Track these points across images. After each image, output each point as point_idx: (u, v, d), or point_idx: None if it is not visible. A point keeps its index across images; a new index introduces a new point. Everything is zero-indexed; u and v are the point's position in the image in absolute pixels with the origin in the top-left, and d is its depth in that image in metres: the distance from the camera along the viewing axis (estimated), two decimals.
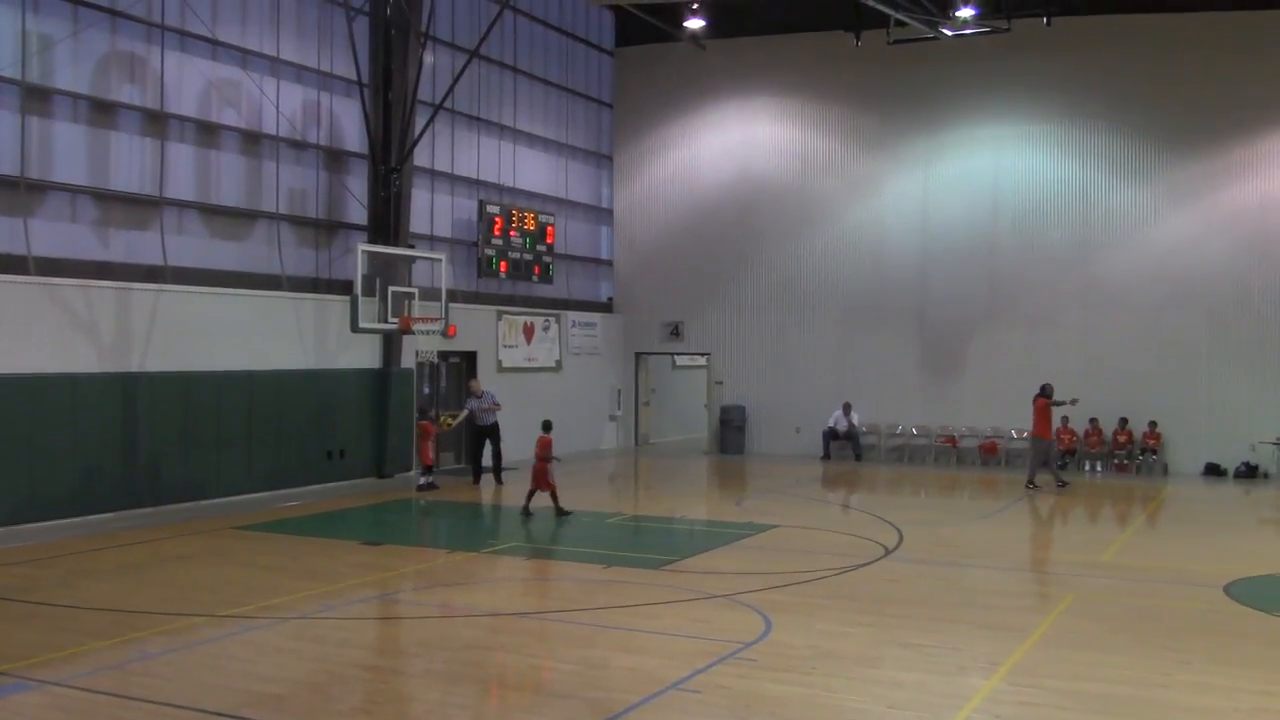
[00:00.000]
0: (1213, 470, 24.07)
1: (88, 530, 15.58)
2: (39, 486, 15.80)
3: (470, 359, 24.45)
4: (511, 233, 25.36)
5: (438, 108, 22.28)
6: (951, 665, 9.41)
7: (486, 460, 21.59)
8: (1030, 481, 21.56)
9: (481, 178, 25.36)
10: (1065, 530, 18.36)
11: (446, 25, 23.88)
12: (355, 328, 19.05)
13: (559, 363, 27.12)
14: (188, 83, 18.75)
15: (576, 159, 28.70)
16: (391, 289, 19.95)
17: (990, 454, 25.81)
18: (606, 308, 29.65)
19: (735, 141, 28.55)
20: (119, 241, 17.72)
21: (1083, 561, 14.35)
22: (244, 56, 19.69)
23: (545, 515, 17.18)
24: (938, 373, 26.60)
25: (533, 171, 27.07)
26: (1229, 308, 24.11)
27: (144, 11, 17.80)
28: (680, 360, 31.11)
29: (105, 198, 17.48)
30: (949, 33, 23.59)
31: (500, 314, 25.27)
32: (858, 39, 25.74)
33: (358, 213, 21.82)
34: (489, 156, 25.65)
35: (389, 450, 21.73)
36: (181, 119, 18.65)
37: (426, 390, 23.55)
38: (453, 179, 24.60)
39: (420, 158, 22.90)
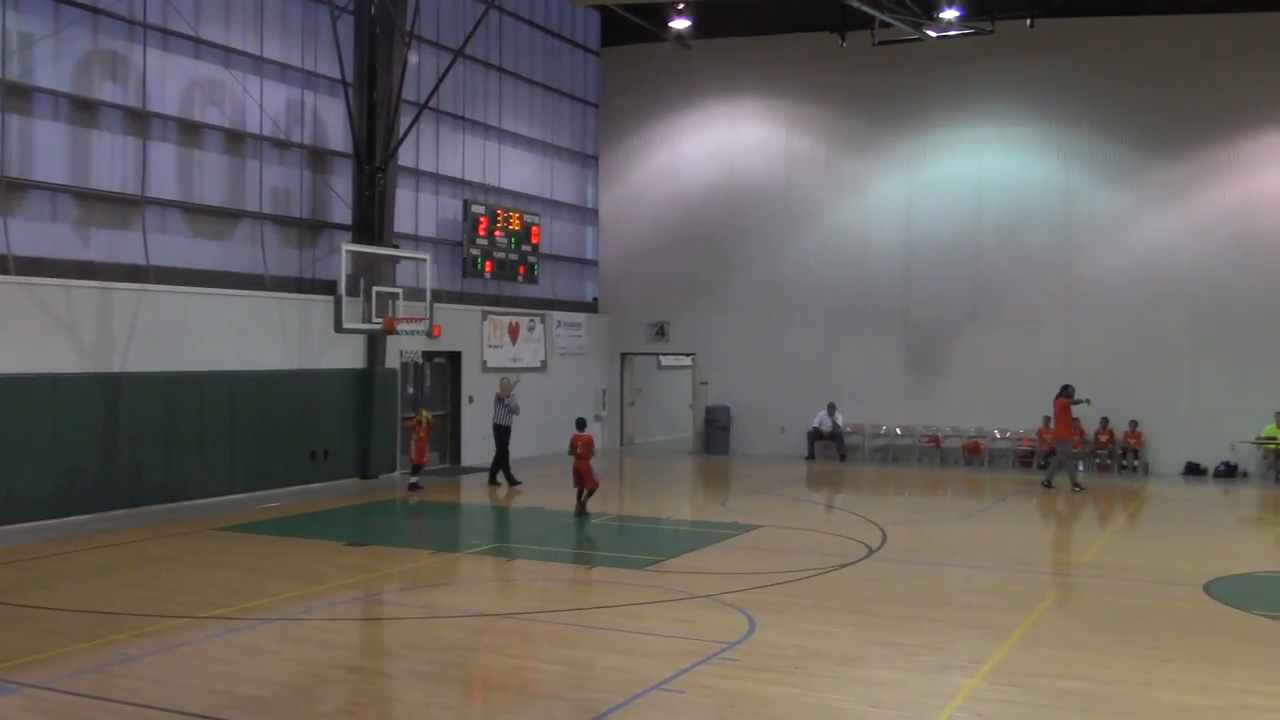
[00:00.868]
0: (1193, 470, 24.22)
1: (68, 532, 15.51)
2: (18, 488, 15.72)
3: (455, 359, 24.43)
4: (496, 233, 25.35)
5: (422, 107, 22.24)
6: (934, 664, 9.45)
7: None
8: (1048, 482, 21.53)
9: (466, 177, 25.34)
10: (1047, 530, 18.46)
11: (431, 24, 23.86)
12: (339, 328, 19.00)
13: (544, 363, 27.11)
14: (170, 81, 18.69)
15: (562, 159, 28.70)
16: (376, 289, 19.91)
17: (974, 454, 25.91)
18: (592, 308, 29.65)
19: (721, 142, 28.59)
20: (100, 241, 17.64)
21: (1064, 561, 14.42)
22: (227, 55, 19.63)
23: (551, 515, 17.15)
24: (922, 373, 26.69)
25: (518, 171, 27.06)
26: (1209, 309, 24.27)
27: (126, 9, 17.73)
28: (665, 360, 31.14)
29: (86, 197, 17.41)
30: (933, 34, 23.68)
31: (485, 314, 25.25)
32: (843, 40, 25.81)
33: (342, 212, 21.78)
34: (474, 156, 25.63)
35: (373, 451, 21.69)
36: (164, 118, 18.58)
37: (411, 390, 23.52)
38: (437, 179, 24.57)
39: (405, 157, 22.86)
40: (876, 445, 27.07)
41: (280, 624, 10.61)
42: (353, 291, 19.27)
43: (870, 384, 26.94)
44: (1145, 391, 24.27)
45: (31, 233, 16.64)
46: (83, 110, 17.37)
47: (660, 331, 29.16)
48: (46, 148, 16.87)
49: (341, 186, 21.83)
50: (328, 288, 20.51)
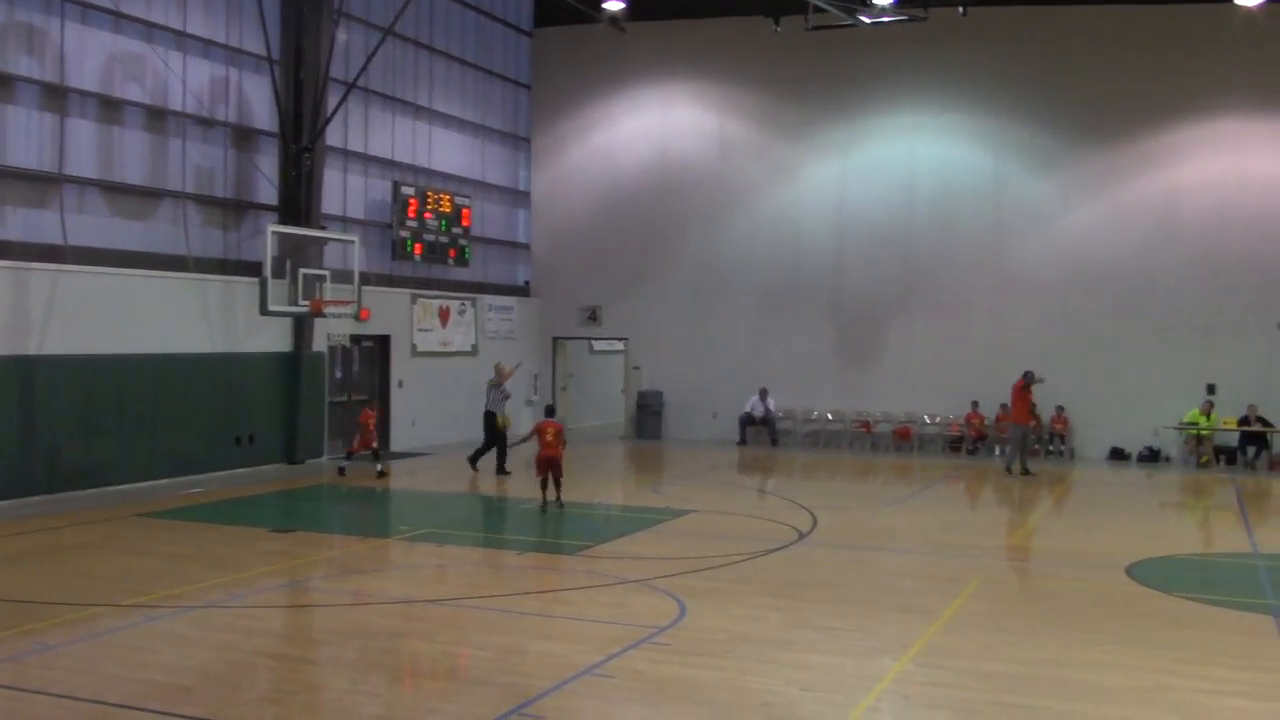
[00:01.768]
0: (1117, 454, 24.79)
1: None
2: None
3: (384, 343, 24.21)
4: (426, 215, 25.13)
5: (351, 86, 21.96)
6: (862, 648, 9.58)
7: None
8: (1009, 468, 21.77)
9: (396, 158, 25.08)
10: (974, 515, 18.79)
11: (360, 1, 23.53)
12: (264, 310, 18.74)
13: (475, 347, 26.97)
14: (89, 56, 18.23)
15: (493, 141, 28.51)
16: (302, 271, 19.65)
17: (904, 439, 26.27)
18: (523, 291, 29.54)
19: (654, 125, 28.59)
20: (16, 220, 17.18)
21: (991, 545, 14.69)
22: (149, 30, 19.19)
23: (483, 501, 17.06)
24: (853, 358, 26.98)
25: (448, 153, 26.83)
26: (1134, 295, 24.80)
27: None
28: (598, 345, 31.12)
29: (1, 174, 16.94)
30: (867, 20, 23.84)
31: (415, 297, 25.05)
32: (777, 24, 25.91)
33: (267, 193, 21.44)
34: (403, 137, 25.37)
35: (300, 436, 21.43)
36: (82, 93, 18.13)
37: (340, 375, 23.27)
38: (366, 159, 24.29)
39: (333, 137, 22.56)
40: (808, 430, 27.33)
41: (203, 612, 10.46)
42: (279, 273, 19.00)
43: (802, 369, 27.17)
44: (1072, 377, 24.73)
45: None
46: None
47: (592, 316, 29.13)
48: None
49: (267, 166, 21.49)
50: (253, 269, 20.17)
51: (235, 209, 21.07)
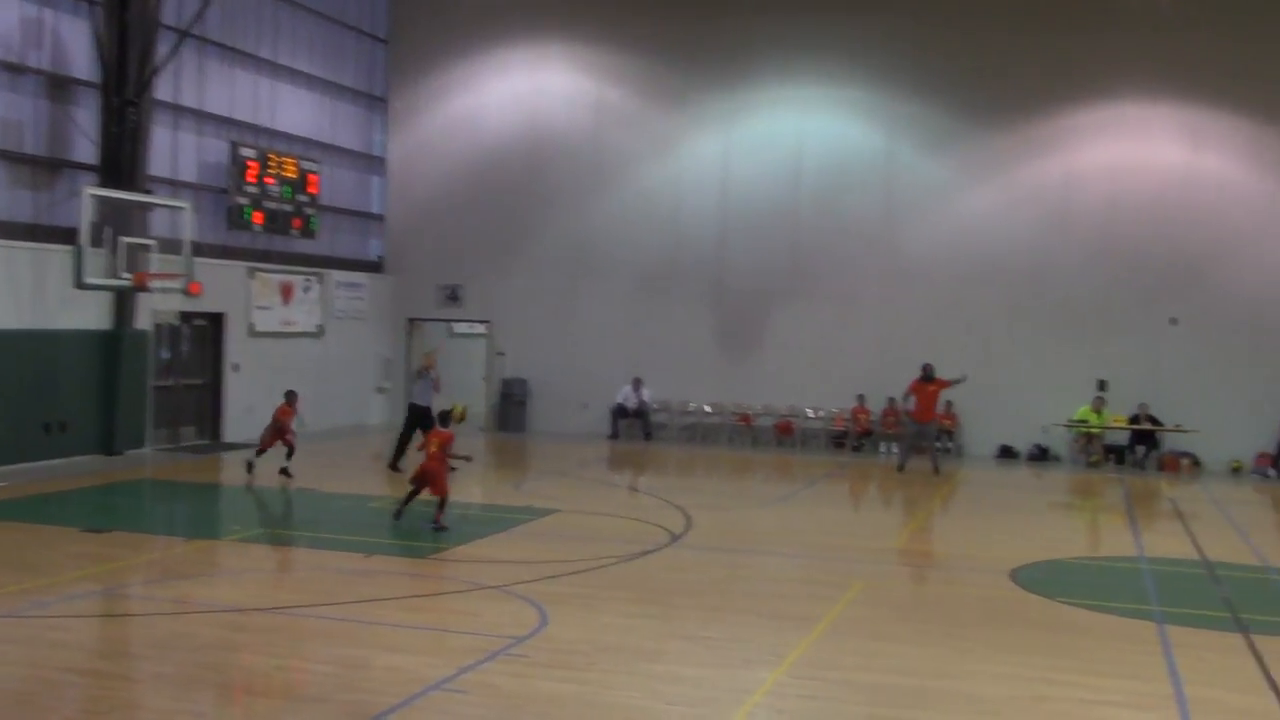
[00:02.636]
0: (1006, 453, 25.63)
1: None
2: None
3: (217, 322, 23.67)
4: (268, 180, 24.61)
5: (184, 34, 21.37)
6: (736, 658, 9.76)
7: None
8: (936, 468, 22.29)
9: (235, 116, 24.48)
10: (858, 516, 19.25)
11: None
12: (80, 283, 18.18)
13: (320, 328, 26.53)
14: None
15: (345, 100, 28.03)
16: (125, 239, 19.10)
17: (786, 434, 26.72)
18: (376, 267, 29.15)
19: (524, 89, 28.46)
20: None
21: (873, 548, 15.08)
22: None
23: (325, 499, 16.80)
24: (734, 348, 27.31)
25: (294, 112, 26.30)
26: (1027, 286, 25.63)
27: None
28: (458, 328, 30.89)
29: None
30: None
31: (253, 271, 24.52)
32: None
33: (86, 150, 20.73)
34: (244, 93, 24.77)
35: (119, 424, 20.81)
36: None
37: (166, 356, 22.67)
38: (200, 116, 23.66)
39: (162, 90, 21.90)
40: (685, 424, 27.60)
41: (4, 622, 10.12)
42: (97, 241, 18.44)
43: (680, 358, 27.40)
44: (961, 371, 25.42)
45: None
46: None
47: (453, 295, 28.90)
48: None
49: (86, 120, 20.76)
50: (67, 236, 19.46)
51: (48, 168, 20.32)
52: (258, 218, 24.46)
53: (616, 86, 28.00)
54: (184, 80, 23.02)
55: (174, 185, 22.75)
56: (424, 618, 10.83)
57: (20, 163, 19.82)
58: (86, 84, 20.78)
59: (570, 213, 28.13)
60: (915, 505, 19.53)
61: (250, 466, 18.84)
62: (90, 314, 20.51)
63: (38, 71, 20.05)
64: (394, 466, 20.19)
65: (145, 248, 19.50)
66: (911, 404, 22.56)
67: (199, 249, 21.20)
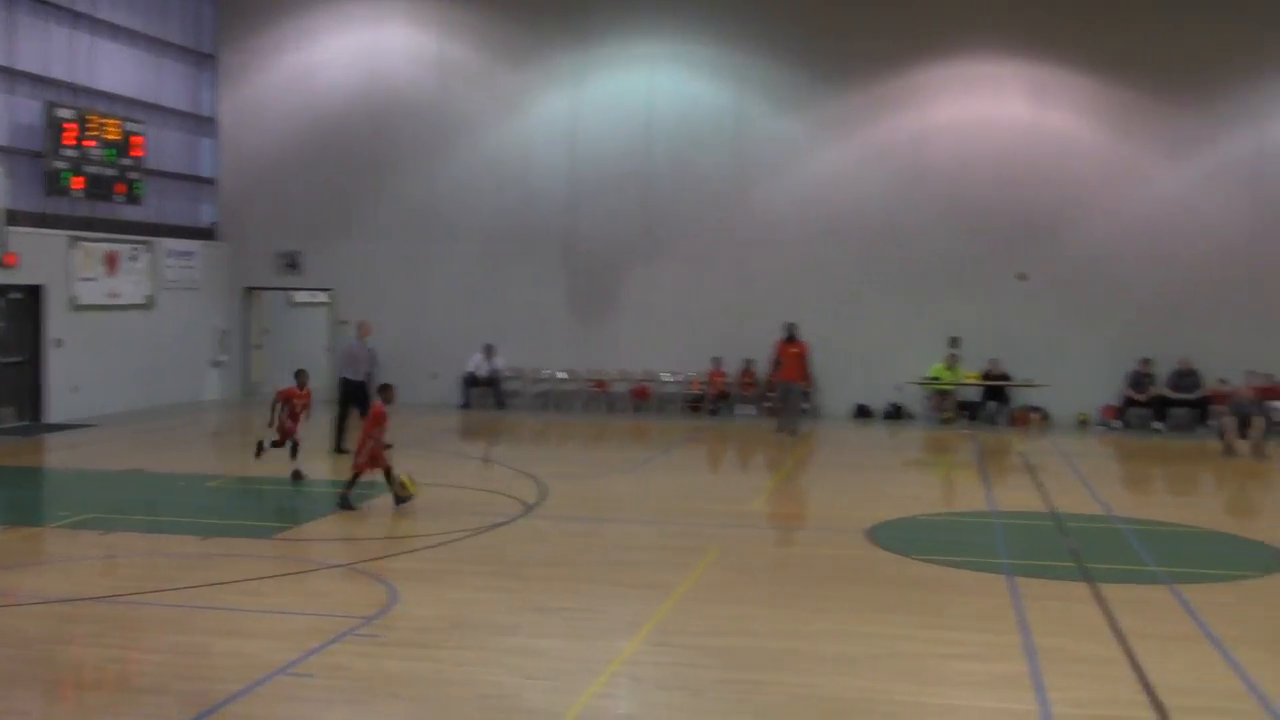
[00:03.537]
0: (862, 412, 26.24)
1: None
2: None
3: (35, 294, 22.77)
4: (88, 143, 23.68)
5: None
6: (593, 629, 9.85)
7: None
8: (785, 429, 22.98)
9: (50, 75, 23.47)
10: (715, 479, 19.52)
11: None
12: None
13: (150, 299, 25.73)
14: None
15: (171, 56, 27.09)
16: None
17: (642, 399, 26.91)
18: (208, 234, 28.35)
19: (364, 45, 27.89)
20: None
21: (730, 512, 15.32)
22: None
23: (156, 479, 16.33)
24: (588, 312, 27.35)
25: (115, 70, 25.32)
26: (880, 245, 26.19)
27: None
28: (298, 297, 30.28)
29: None
30: None
31: (74, 240, 23.62)
32: None
33: None
34: (59, 49, 23.76)
35: None
36: None
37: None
38: (12, 75, 22.64)
39: None
40: (538, 391, 27.57)
41: None
42: None
43: (532, 324, 27.33)
44: (818, 330, 25.79)
45: None
46: None
47: (291, 263, 28.29)
48: None
49: None
50: None
51: None
52: (77, 183, 23.54)
53: (461, 43, 27.65)
54: None
55: None
56: (267, 600, 10.66)
57: None
58: None
59: (415, 175, 27.75)
60: (772, 467, 19.89)
61: (260, 450, 17.13)
62: None
63: None
64: (339, 449, 19.31)
65: None
66: (777, 366, 23.18)
67: (13, 217, 20.43)
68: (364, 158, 27.84)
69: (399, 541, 12.75)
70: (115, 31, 25.28)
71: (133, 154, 24.95)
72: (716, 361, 26.49)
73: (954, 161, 25.89)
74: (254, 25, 28.26)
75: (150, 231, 26.05)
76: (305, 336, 29.84)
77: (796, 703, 8.21)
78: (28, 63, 22.98)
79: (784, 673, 8.78)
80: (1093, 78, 25.35)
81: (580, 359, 27.30)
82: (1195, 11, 24.83)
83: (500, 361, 27.26)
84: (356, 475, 14.81)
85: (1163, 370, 24.86)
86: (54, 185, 23.08)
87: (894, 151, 26.24)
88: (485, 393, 27.19)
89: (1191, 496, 18.59)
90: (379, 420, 14.91)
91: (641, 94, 27.01)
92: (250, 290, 28.76)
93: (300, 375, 17.58)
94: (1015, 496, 16.90)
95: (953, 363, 25.53)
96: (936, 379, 25.61)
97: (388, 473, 14.77)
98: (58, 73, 23.71)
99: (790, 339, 23.13)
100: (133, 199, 25.10)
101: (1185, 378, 24.63)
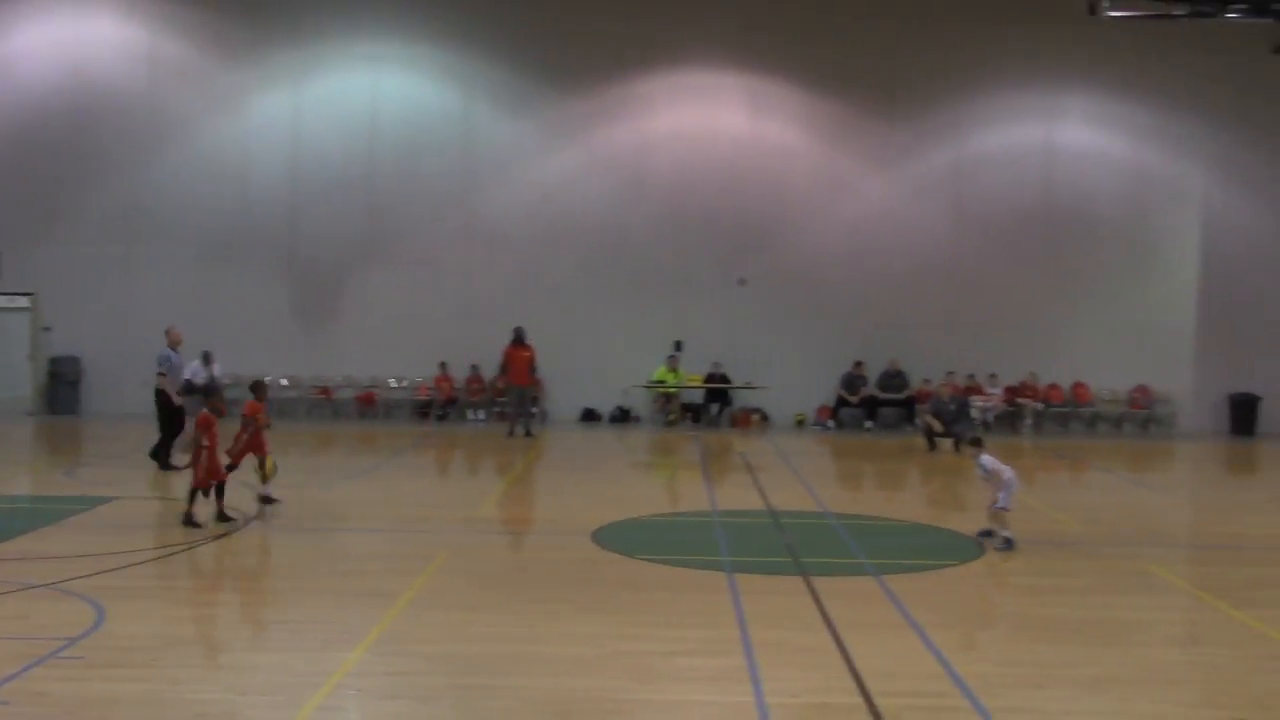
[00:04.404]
0: (590, 415, 26.59)
1: None
2: None
3: None
4: None
5: None
6: (315, 641, 9.61)
7: None
8: (514, 432, 23.46)
9: None
10: (442, 485, 19.40)
11: None
12: None
13: None
14: None
15: None
16: None
17: (368, 405, 26.46)
18: None
19: (66, 38, 26.43)
20: None
21: (458, 517, 15.26)
22: None
23: None
24: (311, 317, 26.72)
25: None
26: (606, 249, 26.64)
27: None
28: None
29: None
30: None
31: None
32: None
33: None
34: None
35: None
36: None
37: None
38: None
39: None
40: None
41: None
42: None
43: (253, 329, 26.45)
44: (545, 335, 26.03)
45: None
46: None
47: None
48: None
49: None
50: None
51: None
52: None
53: (174, 38, 26.57)
54: None
55: None
56: None
57: None
58: None
59: (124, 174, 26.47)
60: (500, 472, 19.92)
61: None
62: None
63: None
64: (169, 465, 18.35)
65: None
66: (505, 370, 23.50)
67: None
68: (67, 155, 26.37)
69: (108, 559, 12.09)
70: None
71: None
72: (443, 366, 26.34)
73: (675, 168, 26.60)
74: None
75: None
76: (3, 344, 28.01)
77: (526, 706, 8.23)
78: None
79: (512, 677, 8.80)
80: (805, 91, 26.55)
81: (304, 365, 26.65)
82: (903, 34, 26.27)
83: (219, 368, 26.23)
84: (196, 490, 14.04)
85: (875, 372, 26.23)
86: None
87: (619, 158, 26.74)
88: (203, 400, 26.08)
89: (898, 491, 19.67)
90: (208, 427, 14.23)
91: (365, 95, 26.62)
92: None
93: (259, 388, 16.42)
94: (736, 496, 17.46)
95: (675, 365, 26.19)
96: (661, 382, 26.21)
97: (220, 486, 14.23)
98: None
99: (518, 343, 23.29)
100: None
101: (893, 379, 26.06)
